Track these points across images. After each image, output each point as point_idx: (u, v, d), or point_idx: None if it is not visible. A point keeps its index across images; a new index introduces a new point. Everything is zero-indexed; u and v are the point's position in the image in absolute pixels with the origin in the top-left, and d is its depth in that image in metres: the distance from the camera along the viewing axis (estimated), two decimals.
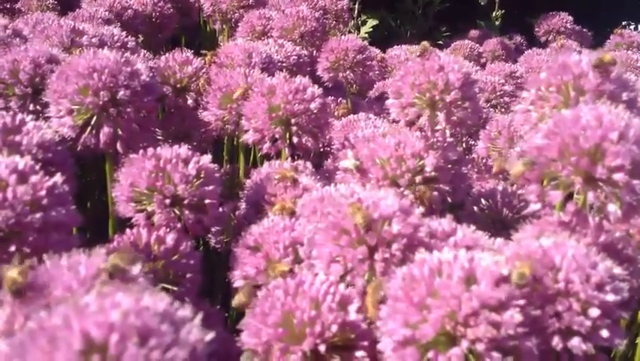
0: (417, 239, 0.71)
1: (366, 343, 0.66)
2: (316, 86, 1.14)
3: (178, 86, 1.32)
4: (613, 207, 0.65)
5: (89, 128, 0.94)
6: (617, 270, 0.66)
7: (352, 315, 0.67)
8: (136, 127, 0.95)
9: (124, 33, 1.39)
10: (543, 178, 0.69)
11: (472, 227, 0.80)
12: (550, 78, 0.81)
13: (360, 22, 3.17)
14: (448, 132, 0.97)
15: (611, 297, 0.61)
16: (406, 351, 0.59)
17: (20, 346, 0.39)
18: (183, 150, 0.91)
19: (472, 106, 0.97)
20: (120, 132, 0.94)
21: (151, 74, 0.98)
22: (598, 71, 0.78)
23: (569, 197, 0.69)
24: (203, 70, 1.33)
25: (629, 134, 0.64)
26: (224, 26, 2.10)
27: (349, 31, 3.12)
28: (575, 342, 0.60)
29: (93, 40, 1.24)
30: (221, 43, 2.22)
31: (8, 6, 2.01)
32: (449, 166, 1.00)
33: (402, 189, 0.96)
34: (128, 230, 0.88)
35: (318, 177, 1.13)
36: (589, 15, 3.49)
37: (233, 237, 1.12)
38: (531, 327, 0.58)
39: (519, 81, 2.01)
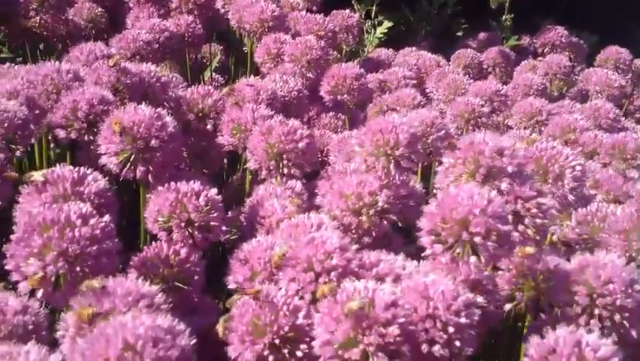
0: (349, 269, 1.03)
1: (308, 339, 0.99)
2: (305, 127, 1.46)
3: (200, 114, 1.66)
4: (473, 258, 0.96)
5: (129, 165, 1.27)
6: (480, 299, 0.98)
7: (300, 320, 0.99)
8: (163, 165, 1.28)
9: (158, 69, 1.71)
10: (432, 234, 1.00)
11: (399, 256, 1.12)
12: (462, 153, 1.12)
13: (377, 22, 3.44)
14: (397, 175, 1.29)
15: (463, 320, 0.92)
16: (326, 348, 0.91)
17: (90, 343, 0.73)
18: (197, 185, 1.23)
19: (416, 157, 1.28)
20: (151, 168, 1.27)
21: (175, 123, 1.30)
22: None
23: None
24: (221, 101, 1.65)
25: (488, 210, 0.95)
26: (248, 41, 2.41)
27: (366, 31, 3.41)
28: (436, 348, 0.92)
29: (134, 79, 1.56)
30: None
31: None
32: (397, 202, 1.31)
33: (361, 217, 1.27)
34: (154, 243, 1.22)
35: (306, 194, 1.45)
36: (600, 15, 3.71)
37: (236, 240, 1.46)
38: (407, 338, 0.90)
39: (503, 99, 2.28)
